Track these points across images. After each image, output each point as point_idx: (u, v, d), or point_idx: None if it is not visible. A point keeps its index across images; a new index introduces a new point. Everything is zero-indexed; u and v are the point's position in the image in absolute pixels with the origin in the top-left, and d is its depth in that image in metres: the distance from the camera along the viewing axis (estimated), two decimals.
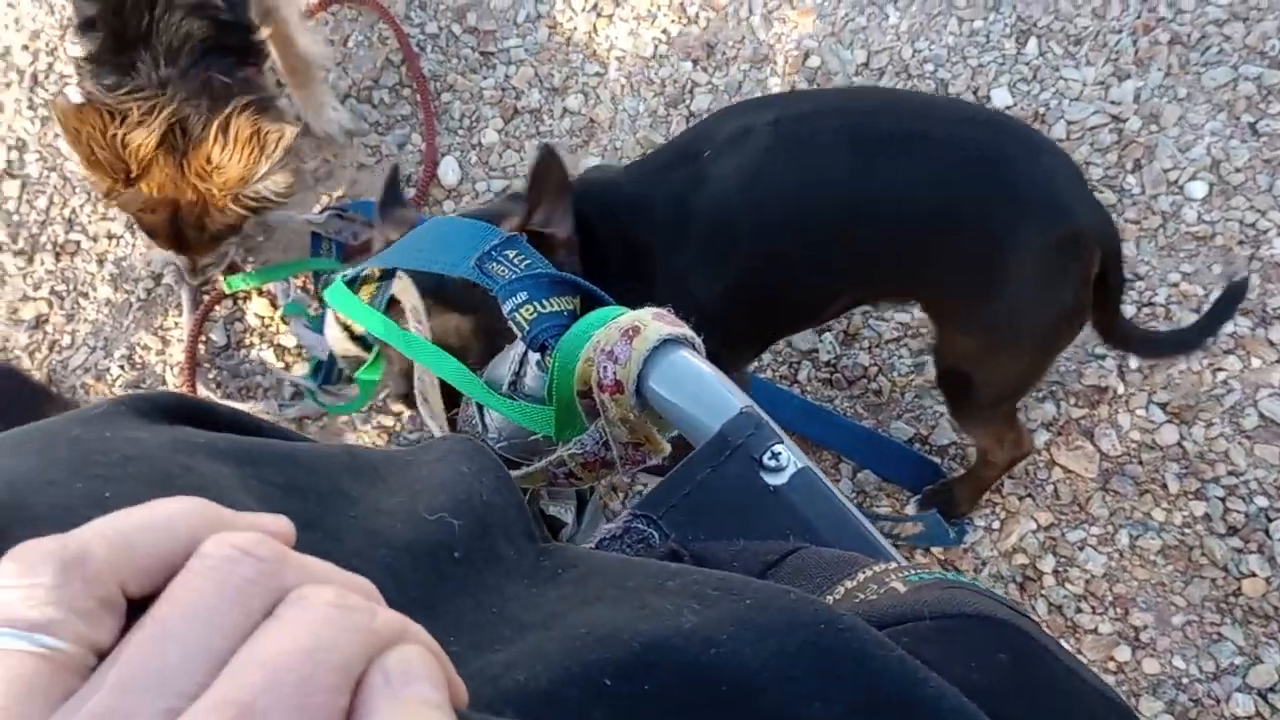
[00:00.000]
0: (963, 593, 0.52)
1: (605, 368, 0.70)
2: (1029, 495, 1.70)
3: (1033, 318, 1.35)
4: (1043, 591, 1.64)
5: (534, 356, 0.78)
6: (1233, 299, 1.46)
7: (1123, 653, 1.59)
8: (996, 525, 1.69)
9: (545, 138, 2.05)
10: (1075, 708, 0.51)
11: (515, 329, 0.76)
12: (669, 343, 0.70)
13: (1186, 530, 1.65)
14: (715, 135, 1.28)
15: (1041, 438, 1.74)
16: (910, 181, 1.25)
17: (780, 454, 0.65)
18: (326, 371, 1.74)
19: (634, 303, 1.23)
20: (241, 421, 0.53)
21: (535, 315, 0.75)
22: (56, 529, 0.35)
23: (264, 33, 1.70)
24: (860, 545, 0.63)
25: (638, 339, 0.70)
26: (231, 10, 1.57)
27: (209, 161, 1.51)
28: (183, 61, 1.51)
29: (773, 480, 0.64)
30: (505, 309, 0.76)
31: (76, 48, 1.62)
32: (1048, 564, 1.66)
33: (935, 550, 1.67)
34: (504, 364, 0.82)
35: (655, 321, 0.71)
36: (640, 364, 0.69)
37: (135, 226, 1.76)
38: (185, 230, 1.62)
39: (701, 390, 0.69)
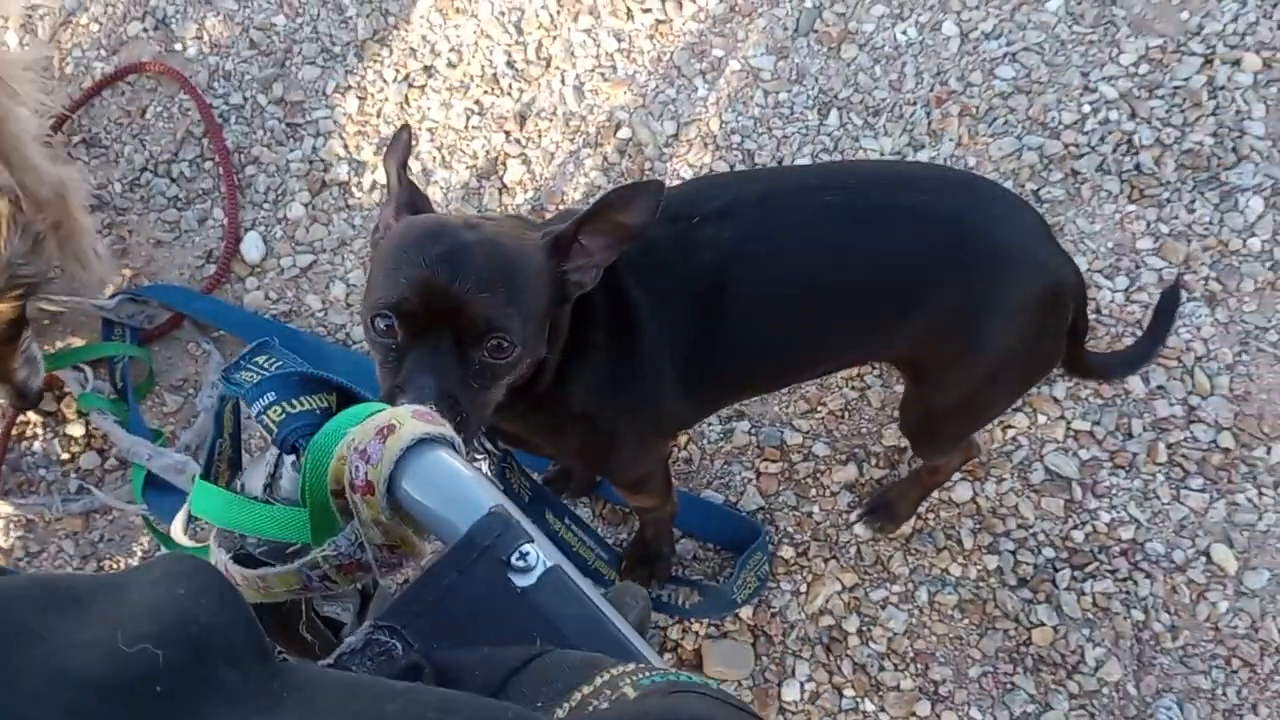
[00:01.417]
0: (688, 698, 0.52)
1: (357, 467, 0.69)
2: (834, 557, 1.75)
3: (1015, 369, 1.40)
4: (848, 651, 1.68)
5: (288, 459, 0.76)
6: (1170, 306, 1.53)
7: (923, 708, 1.63)
8: (804, 588, 1.72)
9: (354, 211, 2.02)
10: None
11: (265, 432, 0.74)
12: (425, 442, 0.69)
13: (981, 584, 1.72)
14: (703, 202, 1.28)
15: (845, 499, 1.78)
16: (895, 249, 1.28)
17: (529, 554, 0.64)
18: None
19: (618, 354, 1.23)
20: None
21: (284, 416, 0.73)
22: None
23: None
24: (608, 645, 0.63)
25: (392, 437, 0.69)
26: None
27: None
28: None
29: (520, 581, 0.64)
30: (253, 412, 0.74)
31: None
32: (852, 624, 1.70)
33: (745, 615, 1.69)
34: (259, 469, 0.79)
35: (413, 420, 0.70)
36: (393, 463, 0.68)
37: None
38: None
39: (453, 491, 0.68)
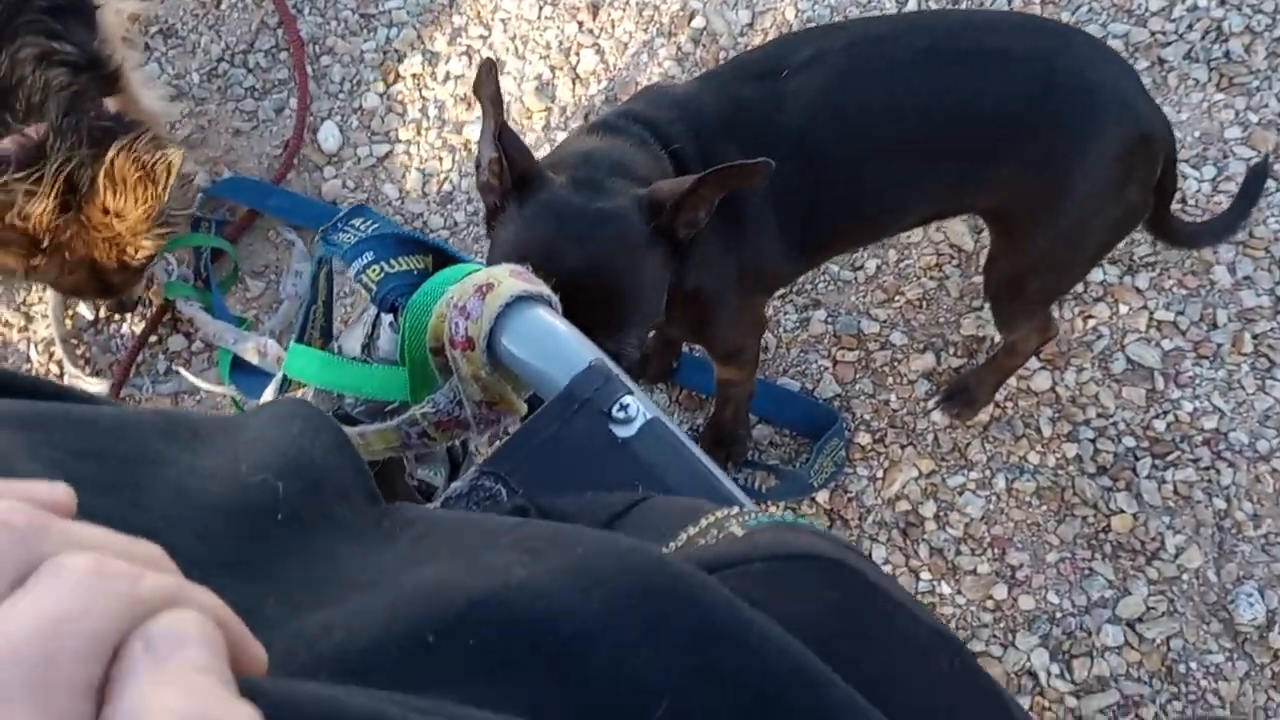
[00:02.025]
0: (795, 533, 0.53)
1: (457, 323, 0.69)
2: (910, 444, 1.74)
3: (1101, 221, 1.38)
4: (925, 536, 1.68)
5: (386, 318, 0.77)
6: (1258, 180, 1.51)
7: (1000, 591, 1.64)
8: (880, 474, 1.73)
9: (429, 102, 2.02)
10: (905, 641, 0.52)
11: (364, 291, 0.75)
12: (523, 299, 0.70)
13: (1059, 472, 1.71)
14: (788, 57, 1.27)
15: (922, 387, 1.78)
16: (985, 93, 1.26)
17: (629, 405, 0.65)
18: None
19: (722, 223, 1.24)
20: (42, 388, 0.51)
21: (382, 275, 0.74)
22: None
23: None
24: (709, 493, 0.64)
25: (491, 294, 0.69)
26: (80, 50, 1.49)
27: (107, 211, 1.44)
28: (51, 116, 1.43)
29: (621, 432, 0.65)
30: (352, 272, 0.75)
31: None
32: (929, 509, 1.70)
33: (821, 500, 1.70)
34: (357, 330, 0.81)
35: (510, 278, 0.71)
36: (492, 320, 0.69)
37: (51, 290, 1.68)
38: (109, 277, 1.56)
39: (553, 346, 0.69)
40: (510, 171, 1.10)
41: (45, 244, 1.45)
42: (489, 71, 1.07)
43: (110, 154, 1.42)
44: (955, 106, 1.27)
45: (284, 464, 0.51)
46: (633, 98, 1.39)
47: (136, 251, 1.52)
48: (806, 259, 1.46)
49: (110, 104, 1.61)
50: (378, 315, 0.79)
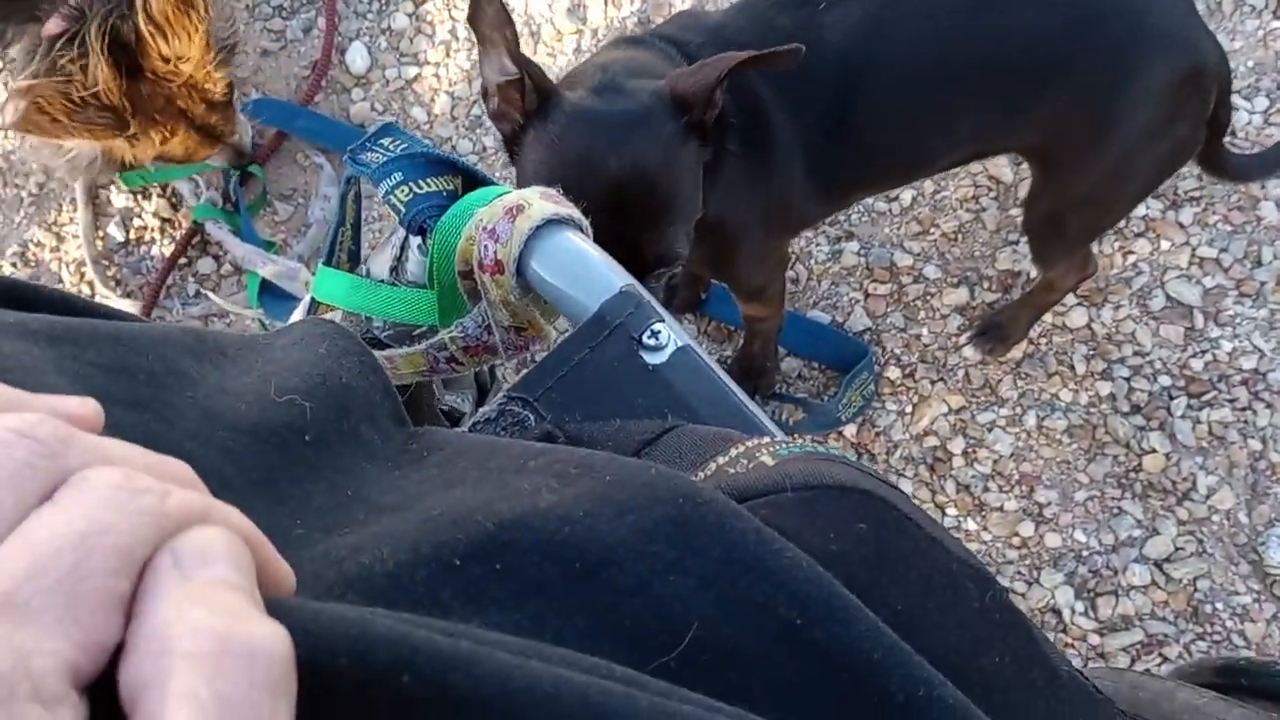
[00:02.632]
0: (827, 464, 0.52)
1: (486, 246, 0.68)
2: (940, 379, 1.73)
3: (1147, 158, 1.34)
4: (952, 472, 1.67)
5: (415, 240, 0.76)
6: None
7: (1026, 528, 1.63)
8: (909, 409, 1.72)
9: (458, 23, 1.99)
10: (936, 575, 0.51)
11: (392, 211, 0.74)
12: (553, 223, 0.69)
13: (1092, 410, 1.69)
14: None
15: (954, 322, 1.75)
16: (1029, 25, 1.23)
17: (660, 332, 0.64)
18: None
19: (749, 155, 1.22)
20: (72, 304, 0.50)
21: (411, 196, 0.72)
22: None
23: None
24: (739, 423, 0.63)
25: (521, 217, 0.68)
26: None
27: (166, 59, 1.42)
28: None
29: (652, 359, 0.64)
30: (380, 193, 0.73)
31: None
32: (957, 445, 1.69)
33: (849, 433, 1.70)
34: (385, 252, 0.80)
35: (541, 200, 0.70)
36: (522, 243, 0.67)
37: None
38: (208, 123, 1.55)
39: (583, 271, 0.67)
40: (535, 91, 1.08)
41: (128, 111, 1.43)
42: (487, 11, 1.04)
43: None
44: (997, 41, 1.23)
45: (312, 385, 0.50)
46: (664, 22, 1.36)
47: (215, 86, 1.51)
48: (837, 198, 1.43)
49: None
50: (406, 237, 0.78)
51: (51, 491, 0.28)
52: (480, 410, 0.64)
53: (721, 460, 0.56)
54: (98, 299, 1.84)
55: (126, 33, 1.39)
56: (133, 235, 1.89)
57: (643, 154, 1.08)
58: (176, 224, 1.89)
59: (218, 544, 0.28)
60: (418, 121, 1.93)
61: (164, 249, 1.88)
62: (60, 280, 1.88)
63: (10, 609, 0.25)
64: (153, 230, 1.89)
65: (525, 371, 0.65)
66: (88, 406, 0.33)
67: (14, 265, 1.89)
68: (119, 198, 1.90)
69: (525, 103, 1.10)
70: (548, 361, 0.65)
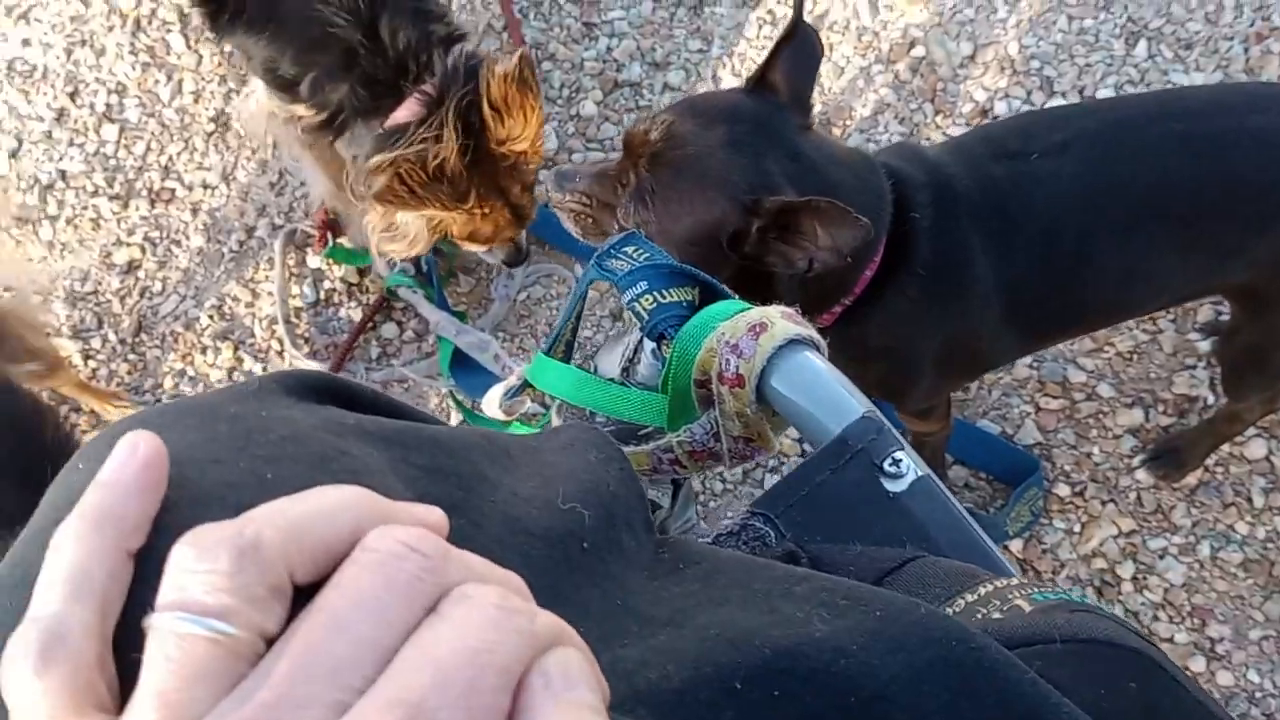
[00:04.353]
0: (1092, 617, 0.52)
1: (728, 360, 0.71)
2: (1112, 501, 1.69)
3: None
4: (1120, 597, 1.63)
5: (649, 345, 0.79)
6: None
7: (1197, 663, 1.57)
8: (1077, 529, 1.68)
9: (644, 112, 2.05)
10: None
11: (634, 319, 0.77)
12: (795, 342, 0.71)
13: (1269, 545, 1.63)
14: (1038, 138, 1.25)
15: (1127, 443, 1.72)
16: (1244, 176, 1.22)
17: (901, 460, 0.65)
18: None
19: (940, 293, 1.25)
20: (380, 402, 0.54)
21: (655, 305, 0.75)
22: (222, 508, 0.36)
23: None
24: (978, 557, 0.63)
25: (764, 335, 0.70)
26: (436, 1, 1.59)
27: (504, 140, 1.49)
28: (436, 66, 1.50)
29: (892, 487, 0.65)
30: (625, 300, 0.77)
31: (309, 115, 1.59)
32: (1127, 570, 1.65)
33: (1014, 548, 1.67)
34: (616, 352, 0.83)
35: (783, 320, 0.72)
36: (765, 361, 0.70)
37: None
38: (520, 205, 1.62)
39: (824, 392, 0.69)
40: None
41: (470, 185, 1.50)
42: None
43: (485, 83, 1.45)
44: (1216, 192, 1.22)
45: (586, 493, 0.53)
46: (888, 148, 1.38)
47: (529, 164, 1.57)
48: (1032, 345, 1.43)
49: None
50: (640, 341, 0.81)
51: (435, 603, 0.31)
52: (722, 522, 0.66)
53: (970, 598, 0.57)
54: (286, 357, 1.94)
55: (473, 117, 1.47)
56: (322, 295, 1.99)
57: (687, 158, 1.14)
58: (363, 288, 1.98)
59: (578, 666, 0.31)
60: None
61: (350, 311, 1.97)
62: (253, 334, 1.98)
63: (422, 718, 0.27)
64: (340, 293, 1.99)
65: (770, 487, 0.67)
66: (438, 517, 0.36)
67: (211, 318, 2.00)
68: (312, 259, 2.00)
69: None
70: (790, 480, 0.66)
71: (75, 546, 0.33)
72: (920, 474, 0.65)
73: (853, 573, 0.62)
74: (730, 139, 1.14)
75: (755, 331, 0.71)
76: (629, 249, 0.81)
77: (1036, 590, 0.56)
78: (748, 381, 0.70)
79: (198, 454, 0.39)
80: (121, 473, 0.35)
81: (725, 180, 1.12)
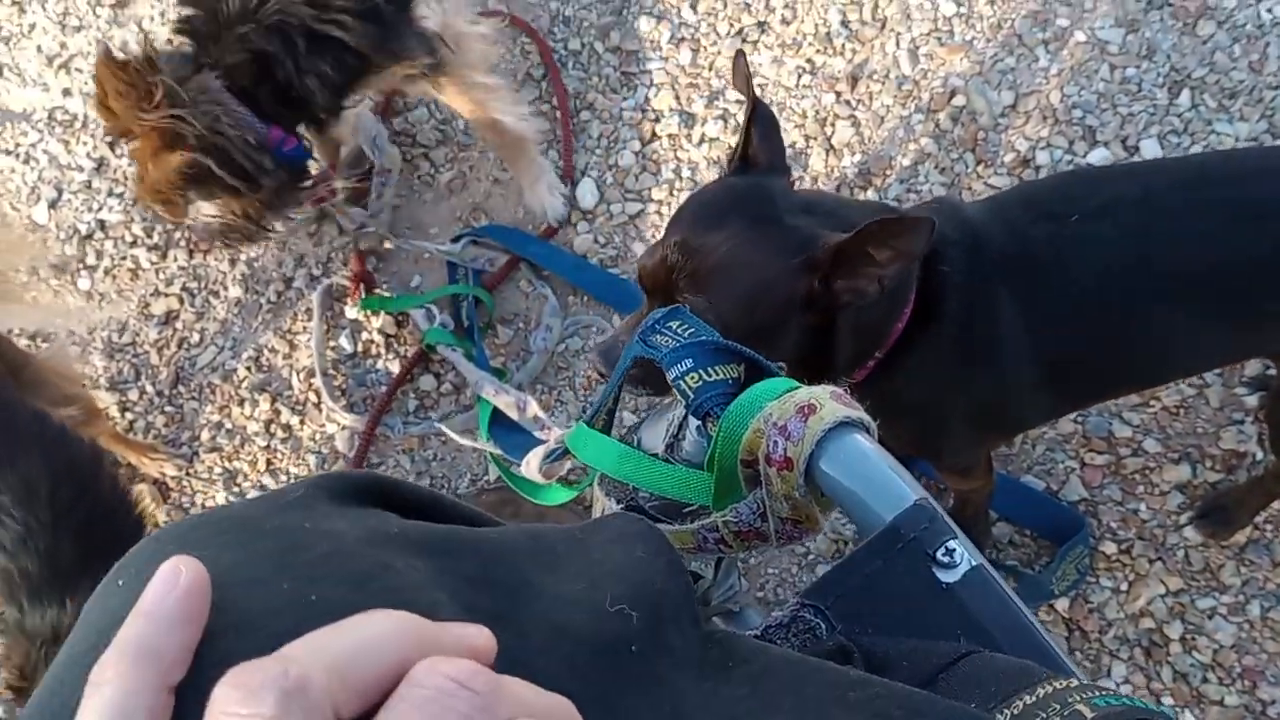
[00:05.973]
0: None
1: (776, 442, 0.70)
2: (1159, 559, 1.66)
3: None
4: (1169, 658, 1.60)
5: (694, 422, 0.78)
6: None
7: None
8: (1124, 587, 1.65)
9: (682, 163, 2.06)
10: None
11: (679, 396, 0.76)
12: (845, 425, 0.70)
13: None
14: (1079, 200, 1.24)
15: (1174, 500, 1.69)
16: None
17: (955, 550, 0.64)
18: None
19: (972, 353, 1.24)
20: (425, 501, 0.54)
21: (700, 383, 0.75)
22: (266, 636, 0.35)
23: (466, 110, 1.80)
24: (1035, 654, 0.62)
25: (813, 418, 0.69)
26: None
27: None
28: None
29: (945, 577, 0.64)
30: (670, 376, 0.76)
31: None
32: (1175, 630, 1.61)
33: (1060, 607, 1.64)
34: (660, 426, 0.82)
35: (833, 401, 0.71)
36: (814, 444, 0.69)
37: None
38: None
39: (875, 477, 0.68)
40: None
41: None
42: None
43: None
44: (1261, 259, 1.20)
45: (634, 592, 0.52)
46: (924, 203, 1.37)
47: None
48: (1065, 408, 1.41)
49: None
50: (685, 417, 0.80)
51: None
52: (772, 615, 0.65)
53: (1029, 699, 0.56)
54: (323, 409, 1.94)
55: None
56: (360, 348, 2.00)
57: (750, 236, 1.11)
58: (401, 339, 1.98)
59: None
60: (636, 255, 1.99)
61: (388, 364, 1.98)
62: (290, 386, 1.99)
63: None
64: (378, 345, 1.99)
65: (821, 576, 0.66)
66: (485, 639, 0.36)
67: (248, 369, 2.01)
68: (351, 310, 2.01)
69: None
70: (840, 570, 0.65)
71: (115, 685, 0.33)
72: (974, 564, 0.64)
73: (906, 668, 0.60)
74: (749, 221, 1.13)
75: (804, 413, 0.70)
76: (674, 324, 0.81)
77: (1098, 694, 0.54)
78: (796, 465, 0.69)
79: (239, 575, 0.39)
80: (162, 603, 0.35)
81: (770, 259, 1.11)
